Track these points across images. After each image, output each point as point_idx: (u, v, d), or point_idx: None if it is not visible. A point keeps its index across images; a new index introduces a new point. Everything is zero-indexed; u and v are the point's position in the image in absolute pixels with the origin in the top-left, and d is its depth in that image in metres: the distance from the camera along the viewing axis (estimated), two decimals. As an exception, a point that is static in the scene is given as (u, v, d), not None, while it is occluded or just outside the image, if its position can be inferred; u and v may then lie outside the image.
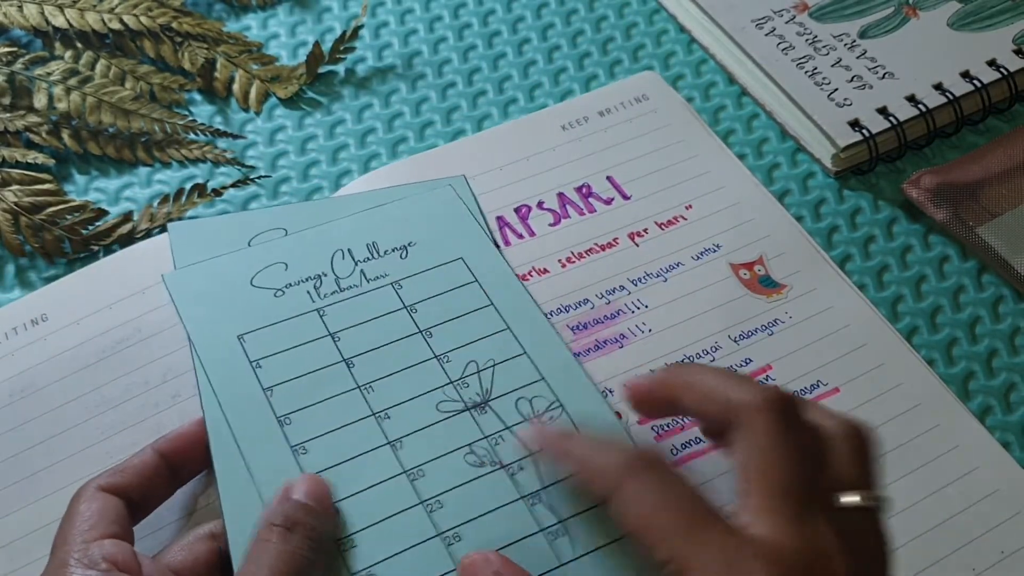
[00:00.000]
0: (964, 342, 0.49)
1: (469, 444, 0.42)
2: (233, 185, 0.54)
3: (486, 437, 0.42)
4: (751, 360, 0.46)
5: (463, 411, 0.43)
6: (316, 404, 0.43)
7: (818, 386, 0.46)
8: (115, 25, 0.59)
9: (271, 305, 0.46)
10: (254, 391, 0.43)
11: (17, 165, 0.54)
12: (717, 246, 0.50)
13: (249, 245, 0.47)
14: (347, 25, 0.62)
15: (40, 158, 0.54)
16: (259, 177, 0.55)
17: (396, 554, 0.39)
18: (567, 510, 0.40)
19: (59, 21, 0.58)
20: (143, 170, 0.56)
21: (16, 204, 0.52)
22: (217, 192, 0.53)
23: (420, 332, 0.45)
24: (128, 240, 0.52)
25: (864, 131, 0.54)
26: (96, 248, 0.52)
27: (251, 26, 0.62)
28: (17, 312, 0.48)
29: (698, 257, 0.50)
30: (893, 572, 0.33)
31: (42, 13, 0.58)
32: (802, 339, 0.47)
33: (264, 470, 0.40)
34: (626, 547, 0.39)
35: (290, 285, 0.46)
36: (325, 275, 0.47)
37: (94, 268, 0.50)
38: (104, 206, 0.53)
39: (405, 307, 0.46)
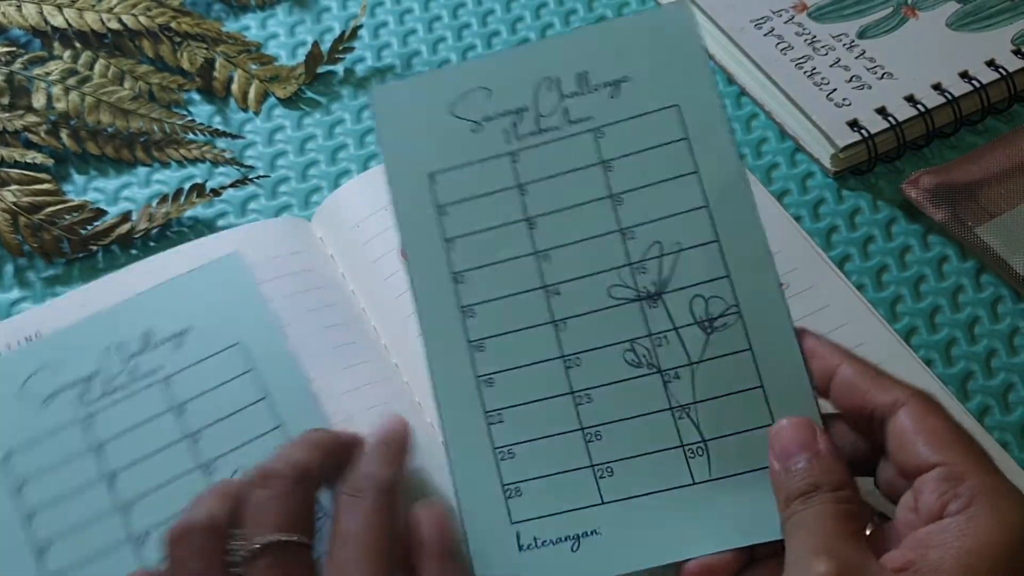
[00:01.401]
0: (963, 342, 0.49)
1: (631, 340, 0.40)
2: (232, 185, 0.54)
3: (650, 335, 0.40)
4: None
5: (634, 300, 0.40)
6: (491, 265, 0.41)
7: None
8: (114, 25, 0.59)
9: (467, 141, 0.42)
10: (434, 240, 0.41)
11: (16, 165, 0.54)
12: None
13: (452, 114, 0.43)
14: (346, 25, 0.62)
15: (39, 158, 0.54)
16: (258, 177, 0.55)
17: (538, 438, 0.39)
18: (712, 430, 0.38)
19: (58, 21, 0.58)
20: (142, 170, 0.56)
21: (15, 204, 0.52)
22: (216, 192, 0.53)
23: (611, 196, 0.41)
24: (127, 240, 0.52)
25: (863, 131, 0.54)
26: (95, 248, 0.52)
27: (250, 26, 0.62)
28: (12, 329, 0.48)
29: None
30: None
31: (41, 13, 0.58)
32: (800, 339, 0.47)
33: (434, 329, 0.40)
34: (761, 479, 0.37)
35: (489, 119, 0.42)
36: (526, 110, 0.42)
37: (92, 287, 0.49)
38: (103, 206, 0.53)
39: (602, 161, 0.41)
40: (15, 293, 0.50)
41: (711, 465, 0.38)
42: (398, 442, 0.40)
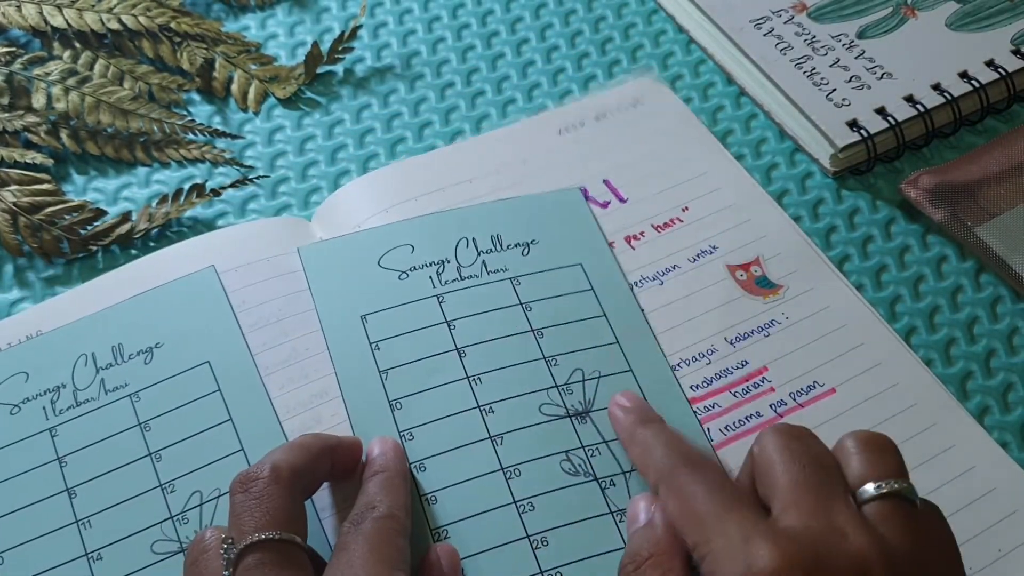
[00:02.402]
0: (962, 342, 0.49)
1: (566, 451, 0.42)
2: (232, 185, 0.54)
3: (583, 447, 0.43)
4: (747, 362, 0.46)
5: (564, 417, 0.43)
6: (426, 391, 0.44)
7: (815, 387, 0.46)
8: (114, 25, 0.59)
9: (395, 287, 0.47)
10: (371, 373, 0.44)
11: (15, 165, 0.54)
12: (714, 248, 0.50)
13: (379, 265, 0.48)
14: (346, 25, 0.62)
15: (38, 158, 0.54)
16: (258, 177, 0.55)
17: (486, 550, 0.40)
18: None
19: (57, 21, 0.58)
20: (142, 170, 0.56)
21: (14, 204, 0.52)
22: (216, 192, 0.53)
23: (532, 331, 0.46)
24: (127, 240, 0.52)
25: (862, 131, 0.54)
26: (95, 248, 0.52)
27: (250, 26, 0.62)
28: (13, 328, 0.48)
29: (695, 259, 0.50)
30: (946, 554, 0.35)
31: (40, 13, 0.58)
32: (799, 340, 0.47)
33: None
34: None
35: (414, 268, 0.47)
36: (448, 261, 0.48)
37: (92, 284, 0.49)
38: (103, 206, 0.53)
39: (520, 304, 0.47)
40: (15, 293, 0.50)
41: None
42: (396, 470, 0.40)
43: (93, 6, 0.59)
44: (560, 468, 0.42)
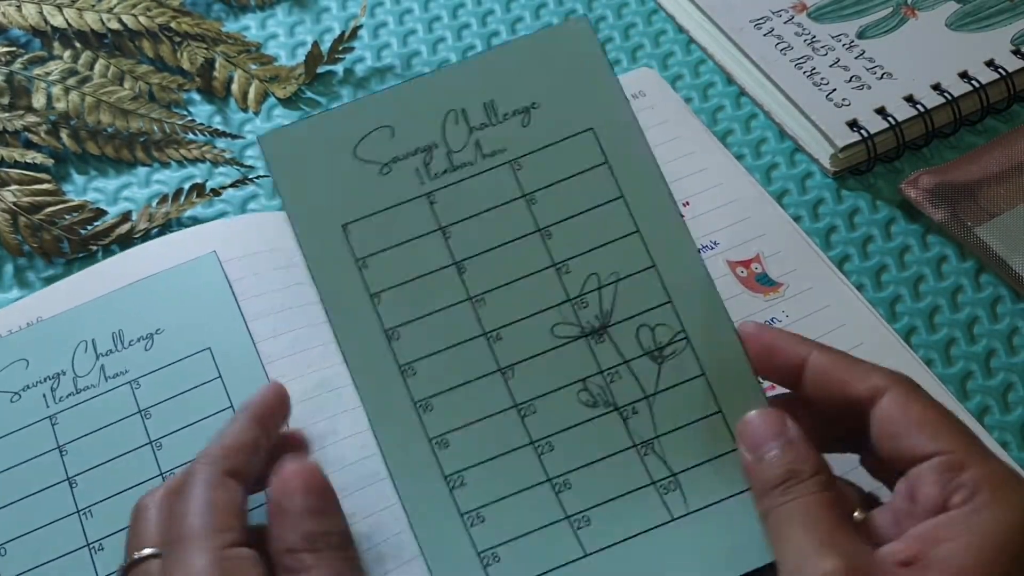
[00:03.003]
0: (962, 342, 0.49)
1: (583, 379, 0.38)
2: (232, 185, 0.54)
3: (601, 372, 0.38)
4: (749, 360, 0.46)
5: (579, 338, 0.38)
6: (425, 317, 0.38)
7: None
8: (114, 25, 0.59)
9: (376, 185, 0.39)
10: (360, 296, 0.39)
11: (16, 165, 0.54)
12: (714, 243, 0.50)
13: (356, 155, 0.40)
14: (346, 25, 0.62)
15: (39, 158, 0.54)
16: (258, 177, 0.55)
17: (505, 497, 0.37)
18: (680, 462, 0.37)
19: (58, 21, 0.58)
20: (142, 170, 0.56)
21: (15, 204, 0.52)
22: (216, 192, 0.53)
23: (539, 230, 0.39)
24: (127, 240, 0.52)
25: (862, 131, 0.54)
26: (95, 248, 0.52)
27: (250, 26, 0.62)
28: (13, 315, 0.48)
29: (696, 255, 0.50)
30: None
31: (40, 13, 0.58)
32: (800, 338, 0.47)
33: (375, 392, 0.38)
34: (742, 504, 0.37)
35: (397, 159, 0.39)
36: (436, 146, 0.40)
37: (92, 270, 0.49)
38: (103, 206, 0.53)
39: (524, 195, 0.39)
40: (15, 293, 0.50)
41: (686, 498, 0.37)
42: (317, 490, 0.36)
43: (93, 6, 0.59)
44: (578, 401, 0.38)
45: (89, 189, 0.55)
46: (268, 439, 0.37)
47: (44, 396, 0.44)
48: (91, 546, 0.41)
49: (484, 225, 0.39)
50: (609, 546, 0.37)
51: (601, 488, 0.37)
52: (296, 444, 0.39)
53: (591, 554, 0.37)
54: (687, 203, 0.52)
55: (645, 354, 0.38)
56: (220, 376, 0.44)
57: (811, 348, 0.37)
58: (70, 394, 0.44)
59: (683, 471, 0.38)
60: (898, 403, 0.34)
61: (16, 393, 0.44)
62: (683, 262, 0.39)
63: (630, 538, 0.37)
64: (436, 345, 0.38)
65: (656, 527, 0.37)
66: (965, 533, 0.31)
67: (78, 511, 0.41)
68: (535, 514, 0.37)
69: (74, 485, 0.42)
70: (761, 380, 0.38)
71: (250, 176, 0.55)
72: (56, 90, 0.56)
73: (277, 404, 0.38)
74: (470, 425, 0.38)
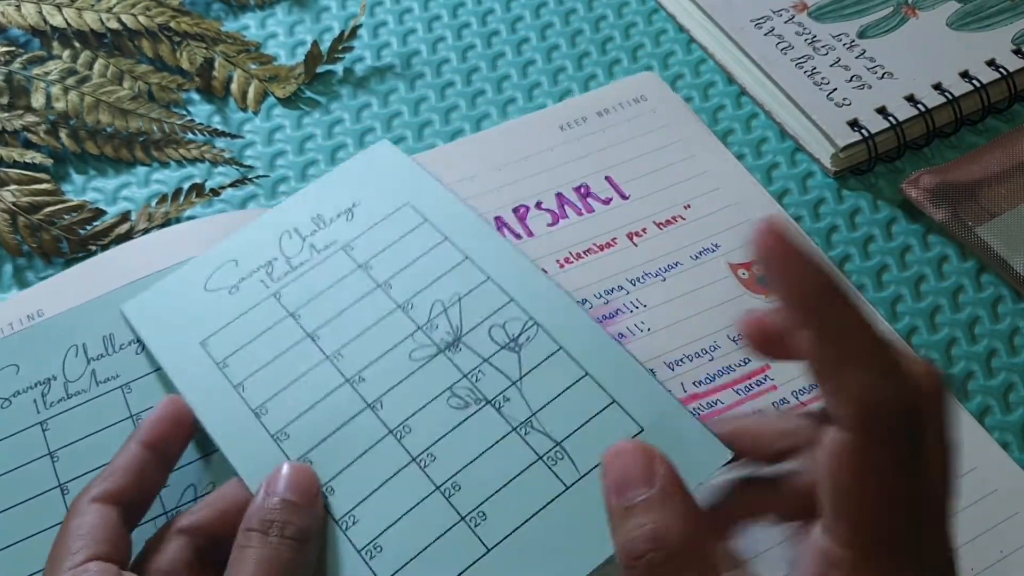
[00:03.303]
0: (963, 342, 0.49)
1: (449, 387, 0.41)
2: (231, 185, 0.54)
3: (465, 376, 0.41)
4: (749, 360, 0.46)
5: (437, 354, 0.42)
6: (288, 387, 0.42)
7: (816, 387, 0.46)
8: (113, 24, 0.59)
9: (227, 304, 0.45)
10: (226, 392, 0.42)
11: (15, 165, 0.54)
12: (716, 246, 0.50)
13: (206, 289, 0.46)
14: (345, 24, 0.62)
15: (38, 158, 0.54)
16: (257, 177, 0.55)
17: (399, 519, 0.38)
18: (561, 430, 0.39)
19: (57, 20, 0.58)
20: (141, 170, 0.56)
21: (14, 204, 0.51)
22: (215, 192, 0.53)
23: (379, 286, 0.44)
24: (126, 240, 0.52)
25: (863, 131, 0.54)
26: (94, 248, 0.52)
27: (249, 25, 0.62)
28: (12, 308, 0.48)
29: (697, 257, 0.50)
30: None
31: (40, 12, 0.58)
32: (801, 339, 0.47)
33: (251, 466, 0.39)
34: None
35: (243, 279, 0.45)
36: (276, 259, 0.46)
37: (90, 264, 0.49)
38: (102, 206, 0.53)
39: (360, 266, 0.45)
40: (14, 293, 0.50)
41: (575, 463, 0.38)
42: (311, 486, 0.38)
43: (92, 5, 0.59)
44: (449, 407, 0.40)
45: (88, 189, 0.55)
46: (161, 456, 0.39)
47: (35, 401, 0.44)
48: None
49: (330, 299, 0.44)
50: (510, 534, 0.37)
51: (490, 480, 0.38)
52: None
53: (494, 547, 0.37)
54: (688, 206, 0.52)
55: (502, 348, 0.41)
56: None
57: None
58: (61, 399, 0.44)
59: (566, 437, 0.39)
60: (838, 461, 0.27)
61: (6, 399, 0.44)
62: (510, 265, 0.44)
63: (529, 520, 0.37)
64: (303, 406, 0.41)
65: (552, 500, 0.37)
66: None
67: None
68: (431, 525, 0.38)
69: (66, 492, 0.42)
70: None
71: (249, 176, 0.55)
72: (55, 90, 0.56)
73: (168, 423, 0.40)
74: (352, 464, 0.39)
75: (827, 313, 0.27)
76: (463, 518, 0.38)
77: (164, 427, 0.40)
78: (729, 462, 0.35)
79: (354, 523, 0.38)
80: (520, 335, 0.41)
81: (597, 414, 0.39)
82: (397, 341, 0.42)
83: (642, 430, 0.38)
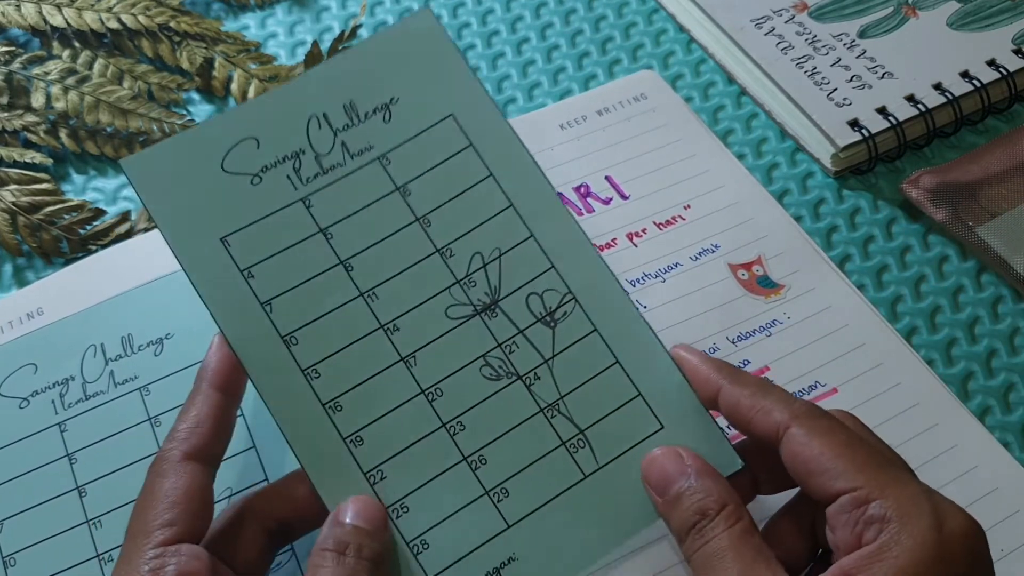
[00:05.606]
0: (963, 342, 0.49)
1: (483, 355, 0.39)
2: (231, 185, 0.54)
3: (499, 345, 0.39)
4: (749, 361, 0.46)
5: (473, 316, 0.39)
6: (321, 318, 0.38)
7: (816, 387, 0.46)
8: (113, 24, 0.59)
9: (249, 196, 0.39)
10: (252, 307, 0.38)
11: (15, 165, 0.54)
12: (716, 246, 0.50)
13: (224, 169, 0.40)
14: (345, 24, 0.62)
15: (38, 157, 0.54)
16: (257, 177, 0.55)
17: (424, 483, 0.37)
18: (586, 418, 0.38)
19: (57, 20, 0.58)
20: (141, 170, 0.56)
21: (14, 204, 0.51)
22: (215, 192, 0.53)
23: (417, 219, 0.40)
24: (126, 240, 0.52)
25: (863, 131, 0.53)
26: (94, 248, 0.52)
27: (249, 25, 0.62)
28: (13, 306, 0.48)
29: (696, 257, 0.50)
30: None
31: (40, 12, 0.58)
32: (800, 339, 0.47)
33: (282, 401, 0.37)
34: (644, 454, 0.38)
35: (266, 168, 0.40)
36: (303, 152, 0.40)
37: (89, 262, 0.49)
38: (102, 206, 0.53)
39: (397, 188, 0.40)
40: (13, 293, 0.50)
41: (595, 453, 0.38)
42: (380, 519, 0.36)
43: (92, 5, 0.59)
44: (482, 376, 0.39)
45: (88, 189, 0.55)
46: (234, 401, 0.37)
47: (53, 402, 0.43)
48: (100, 557, 0.40)
49: (364, 222, 0.40)
50: (529, 514, 0.37)
51: (516, 458, 0.38)
52: None
53: (513, 524, 0.37)
54: (688, 206, 0.52)
55: (538, 320, 0.40)
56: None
57: (722, 380, 0.37)
58: (79, 400, 0.43)
59: (589, 427, 0.38)
60: (800, 441, 0.34)
61: (25, 399, 0.43)
62: (557, 226, 0.40)
63: (547, 503, 0.38)
64: (336, 345, 0.38)
65: (570, 487, 0.38)
66: (879, 570, 0.31)
67: (87, 521, 0.41)
68: (457, 495, 0.37)
69: (83, 494, 0.41)
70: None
71: (250, 176, 0.55)
72: (55, 89, 0.56)
73: (231, 361, 0.37)
74: (382, 418, 0.38)
75: (734, 376, 0.37)
76: (487, 492, 0.37)
77: (230, 366, 0.37)
78: (737, 472, 0.37)
79: (382, 479, 0.37)
80: (557, 309, 0.40)
81: (621, 406, 0.39)
82: (434, 292, 0.39)
83: (661, 427, 0.38)
